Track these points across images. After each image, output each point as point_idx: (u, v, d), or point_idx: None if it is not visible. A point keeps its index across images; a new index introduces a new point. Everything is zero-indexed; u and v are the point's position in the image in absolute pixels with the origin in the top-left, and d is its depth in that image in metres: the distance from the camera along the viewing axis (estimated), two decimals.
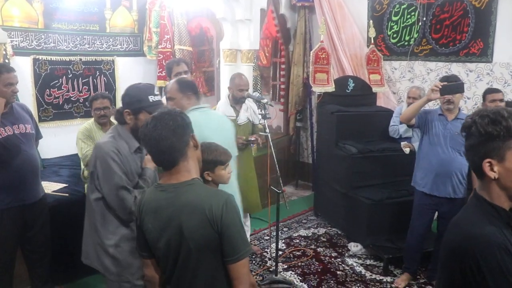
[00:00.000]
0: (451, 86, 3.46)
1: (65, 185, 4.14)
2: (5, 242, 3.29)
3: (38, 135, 3.61)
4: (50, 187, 4.02)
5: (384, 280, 4.05)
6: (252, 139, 4.10)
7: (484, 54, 5.00)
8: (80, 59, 5.23)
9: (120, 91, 5.55)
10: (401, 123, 4.31)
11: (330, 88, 5.31)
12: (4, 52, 4.21)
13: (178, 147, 1.69)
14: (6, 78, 3.14)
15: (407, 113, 3.70)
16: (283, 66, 6.62)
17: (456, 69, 5.24)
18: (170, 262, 1.72)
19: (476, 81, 5.12)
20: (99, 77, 5.42)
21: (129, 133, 2.45)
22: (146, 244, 1.79)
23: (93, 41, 5.32)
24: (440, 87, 3.42)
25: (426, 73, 5.54)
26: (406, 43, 5.68)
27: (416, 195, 3.86)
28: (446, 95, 3.49)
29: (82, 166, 3.92)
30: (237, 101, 4.16)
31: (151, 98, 2.41)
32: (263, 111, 3.75)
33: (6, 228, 3.27)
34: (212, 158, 2.39)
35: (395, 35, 5.80)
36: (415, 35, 5.56)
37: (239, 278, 1.69)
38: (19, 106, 3.43)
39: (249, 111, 4.25)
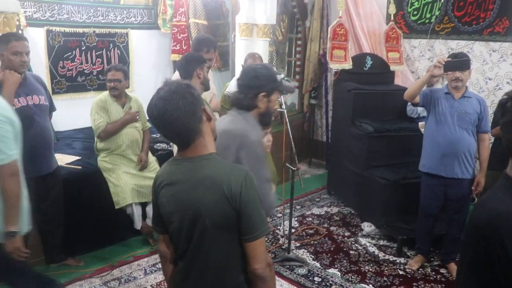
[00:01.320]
0: (456, 62, 3.38)
1: (78, 157, 4.13)
2: None
3: (52, 107, 3.57)
4: (63, 159, 4.01)
5: (398, 261, 4.01)
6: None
7: (510, 33, 4.81)
8: (94, 31, 5.16)
9: (133, 64, 5.50)
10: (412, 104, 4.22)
11: (347, 65, 5.19)
12: (17, 23, 4.14)
13: (193, 126, 1.60)
14: (13, 46, 3.07)
15: (410, 90, 3.64)
16: (299, 42, 6.49)
17: (479, 48, 5.09)
18: (183, 237, 1.67)
19: (499, 62, 4.96)
20: (112, 49, 5.35)
21: (256, 120, 2.27)
22: (161, 218, 1.74)
23: (107, 13, 5.24)
24: (444, 63, 3.33)
25: (447, 52, 5.37)
26: (427, 21, 5.52)
27: (423, 177, 3.79)
28: (450, 71, 3.41)
29: (95, 138, 3.90)
30: None
31: (278, 76, 2.30)
32: None
33: None
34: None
35: (415, 12, 5.63)
36: (437, 13, 5.39)
37: (255, 256, 1.64)
38: (33, 77, 3.39)
39: None
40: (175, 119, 1.56)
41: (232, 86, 4.03)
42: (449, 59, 3.39)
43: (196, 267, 1.69)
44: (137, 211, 3.95)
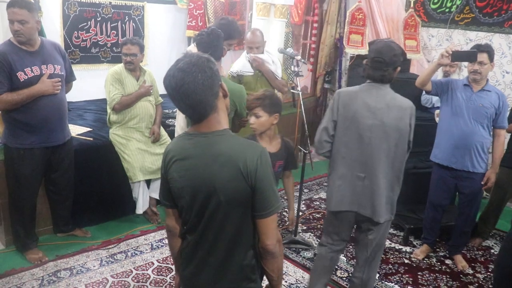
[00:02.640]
0: (462, 53, 3.37)
1: (89, 129, 4.13)
2: (27, 181, 3.31)
3: (71, 77, 3.54)
4: (74, 130, 4.00)
5: (404, 249, 4.01)
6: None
7: None
8: (110, 3, 5.10)
9: (148, 38, 5.45)
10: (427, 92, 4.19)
11: (364, 50, 5.13)
12: None
13: (208, 101, 1.58)
14: (11, 13, 2.97)
15: (420, 77, 3.58)
16: (315, 25, 6.40)
17: (498, 40, 5.00)
18: (195, 212, 1.67)
19: None
20: (128, 22, 5.30)
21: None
22: (169, 193, 1.73)
23: None
24: (451, 52, 3.25)
25: (465, 43, 5.30)
26: (447, 10, 5.42)
27: (434, 167, 3.77)
28: (457, 62, 3.43)
29: (109, 110, 3.88)
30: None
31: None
32: (295, 68, 3.62)
33: (28, 168, 3.27)
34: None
35: (436, 1, 5.54)
36: (458, 2, 5.29)
37: (267, 233, 1.65)
38: (52, 45, 3.32)
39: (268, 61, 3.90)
40: (192, 91, 1.53)
41: (237, 66, 3.94)
42: (457, 49, 3.34)
43: (207, 242, 1.69)
44: (143, 195, 3.97)
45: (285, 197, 3.29)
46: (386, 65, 2.50)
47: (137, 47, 3.76)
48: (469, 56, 3.35)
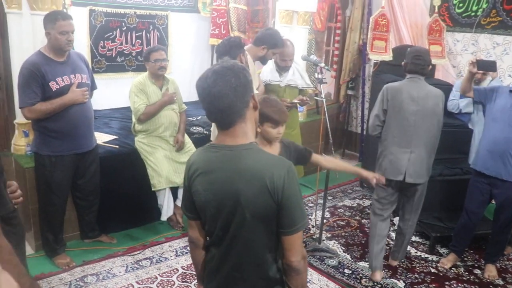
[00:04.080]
0: (484, 63, 3.58)
1: (115, 137, 4.19)
2: (59, 188, 3.40)
3: (93, 86, 3.62)
4: (100, 137, 4.07)
5: (430, 258, 3.95)
6: (296, 101, 3.92)
7: None
8: (135, 12, 5.20)
9: (172, 46, 5.52)
10: (461, 96, 4.29)
11: (388, 56, 5.09)
12: (62, 1, 4.21)
13: (238, 108, 1.56)
14: (61, 26, 3.12)
15: (461, 85, 3.78)
16: (338, 32, 6.39)
17: None
18: (219, 226, 1.64)
19: None
20: (152, 31, 5.39)
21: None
22: (193, 205, 1.70)
23: None
24: (475, 61, 3.55)
25: (492, 47, 5.21)
26: (472, 14, 5.34)
27: (472, 173, 3.72)
28: (480, 71, 3.62)
29: (134, 120, 3.94)
30: (281, 68, 3.98)
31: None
32: (319, 75, 3.62)
33: (60, 174, 3.36)
34: (265, 112, 2.33)
35: (461, 5, 5.46)
36: (484, 6, 5.21)
37: (292, 249, 1.62)
38: (77, 55, 3.44)
39: (296, 75, 4.04)
40: (223, 95, 1.52)
41: (266, 75, 3.99)
42: (482, 58, 3.54)
43: (233, 256, 1.67)
44: (168, 202, 4.00)
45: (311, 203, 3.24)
46: (424, 61, 3.29)
47: (165, 53, 3.84)
48: (488, 66, 3.62)
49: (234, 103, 1.55)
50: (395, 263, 3.81)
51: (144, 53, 3.99)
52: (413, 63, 3.31)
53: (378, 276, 3.56)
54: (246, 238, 1.62)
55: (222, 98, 1.53)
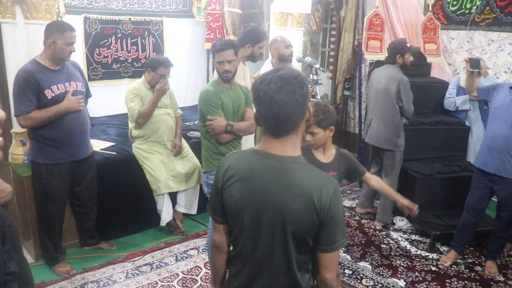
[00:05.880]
0: (473, 61, 3.70)
1: (112, 143, 4.20)
2: (56, 196, 3.39)
3: (88, 94, 3.63)
4: (98, 145, 4.08)
5: (430, 256, 3.94)
6: None
7: None
8: (129, 19, 5.21)
9: (167, 52, 5.53)
10: (457, 93, 4.47)
11: (383, 56, 5.07)
12: (57, 10, 4.22)
13: (296, 118, 1.53)
14: (68, 37, 3.17)
15: (465, 84, 3.90)
16: (333, 33, 6.40)
17: None
18: (251, 236, 1.61)
19: None
20: (147, 37, 5.40)
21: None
22: (223, 209, 1.67)
23: (142, 1, 5.29)
24: (467, 60, 3.71)
25: (487, 44, 5.21)
26: (466, 11, 5.34)
27: (474, 170, 3.74)
28: (471, 69, 3.67)
29: (130, 126, 3.95)
30: (285, 60, 3.90)
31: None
32: (314, 76, 3.63)
33: (56, 182, 3.36)
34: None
35: (455, 2, 5.46)
36: (478, 3, 5.20)
37: (328, 267, 1.60)
38: (71, 64, 3.45)
39: None
40: (285, 102, 1.49)
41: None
42: (473, 56, 3.74)
43: (267, 272, 1.64)
44: (167, 207, 4.00)
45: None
46: (389, 53, 4.19)
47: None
48: (476, 63, 3.70)
49: (293, 113, 1.52)
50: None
51: (152, 60, 3.92)
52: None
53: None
54: (282, 251, 1.59)
55: (284, 107, 1.49)
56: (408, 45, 4.28)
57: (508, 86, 3.49)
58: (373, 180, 2.86)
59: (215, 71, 3.11)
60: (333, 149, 2.73)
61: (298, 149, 1.61)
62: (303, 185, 1.52)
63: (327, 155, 2.65)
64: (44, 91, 3.13)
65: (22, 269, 1.28)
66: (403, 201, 2.74)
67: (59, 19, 4.20)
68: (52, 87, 3.17)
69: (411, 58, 4.23)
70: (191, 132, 4.61)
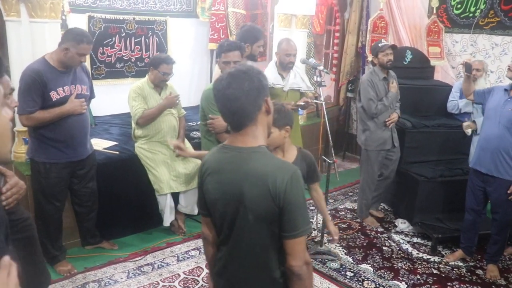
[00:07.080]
0: (466, 65, 3.75)
1: (115, 143, 4.20)
2: (53, 194, 3.38)
3: (92, 95, 3.62)
4: (101, 144, 4.08)
5: (432, 259, 3.94)
6: (301, 103, 3.85)
7: None
8: (134, 18, 5.22)
9: (171, 52, 5.53)
10: (460, 96, 4.46)
11: None
12: (61, 9, 4.23)
13: (249, 111, 1.60)
14: (82, 49, 3.16)
15: (462, 87, 3.93)
16: (337, 34, 6.40)
17: None
18: (226, 225, 1.68)
19: None
20: (151, 37, 5.40)
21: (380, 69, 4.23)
22: (205, 203, 1.75)
23: (146, 0, 5.29)
24: (464, 63, 3.80)
25: (491, 48, 5.21)
26: (470, 15, 5.35)
27: (470, 171, 3.77)
28: (466, 73, 3.73)
29: (133, 125, 3.94)
30: (284, 67, 3.90)
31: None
32: (318, 78, 3.62)
33: (54, 181, 3.35)
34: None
35: (459, 6, 5.47)
36: (482, 6, 5.22)
37: (293, 254, 1.63)
38: (80, 66, 3.43)
39: (297, 78, 3.99)
40: (235, 97, 1.57)
41: (268, 78, 3.97)
42: (468, 60, 3.84)
43: (238, 256, 1.70)
44: (169, 207, 4.00)
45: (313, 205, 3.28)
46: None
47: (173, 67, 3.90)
48: (468, 68, 3.73)
49: (245, 107, 1.59)
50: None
51: (153, 58, 3.93)
52: None
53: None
54: (249, 239, 1.65)
55: (234, 101, 1.58)
56: (380, 45, 4.23)
57: (503, 88, 3.52)
58: (315, 192, 3.06)
59: (215, 71, 3.13)
60: (294, 149, 2.77)
61: (260, 139, 1.67)
62: (259, 173, 1.59)
63: (287, 156, 2.67)
64: (50, 93, 3.13)
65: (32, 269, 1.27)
66: (330, 225, 3.13)
67: (64, 17, 4.21)
68: (58, 89, 3.17)
69: (389, 57, 4.16)
70: (194, 133, 4.60)
